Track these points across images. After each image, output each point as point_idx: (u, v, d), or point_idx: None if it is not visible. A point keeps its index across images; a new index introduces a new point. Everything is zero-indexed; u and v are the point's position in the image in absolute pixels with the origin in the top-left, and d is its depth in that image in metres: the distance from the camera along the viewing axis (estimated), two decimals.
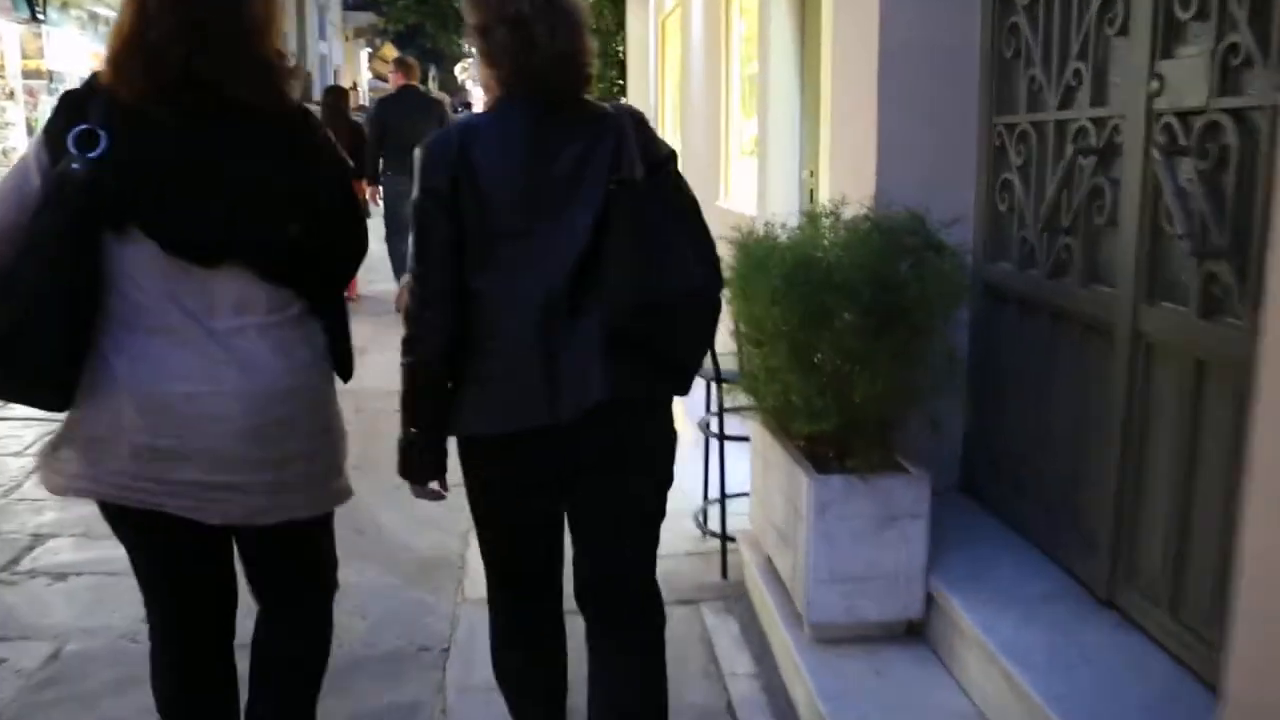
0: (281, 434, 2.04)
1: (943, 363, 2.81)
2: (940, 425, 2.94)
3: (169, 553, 2.15)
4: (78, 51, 15.85)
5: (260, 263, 1.99)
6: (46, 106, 14.43)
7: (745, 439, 3.54)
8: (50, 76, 15.00)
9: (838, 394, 2.69)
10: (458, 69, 35.29)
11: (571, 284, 2.06)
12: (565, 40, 2.07)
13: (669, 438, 2.29)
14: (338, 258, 2.18)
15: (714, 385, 3.79)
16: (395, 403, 2.22)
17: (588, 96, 2.17)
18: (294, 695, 2.35)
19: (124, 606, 3.54)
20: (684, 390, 2.23)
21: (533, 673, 2.41)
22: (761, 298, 2.76)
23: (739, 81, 6.49)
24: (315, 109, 4.17)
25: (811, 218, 2.98)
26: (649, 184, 2.09)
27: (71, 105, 1.96)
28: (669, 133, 9.95)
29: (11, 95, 14.61)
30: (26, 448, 5.33)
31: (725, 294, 2.33)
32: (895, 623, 2.89)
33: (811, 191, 4.87)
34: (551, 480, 2.20)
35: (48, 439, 2.10)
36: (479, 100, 39.96)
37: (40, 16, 14.93)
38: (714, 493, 4.03)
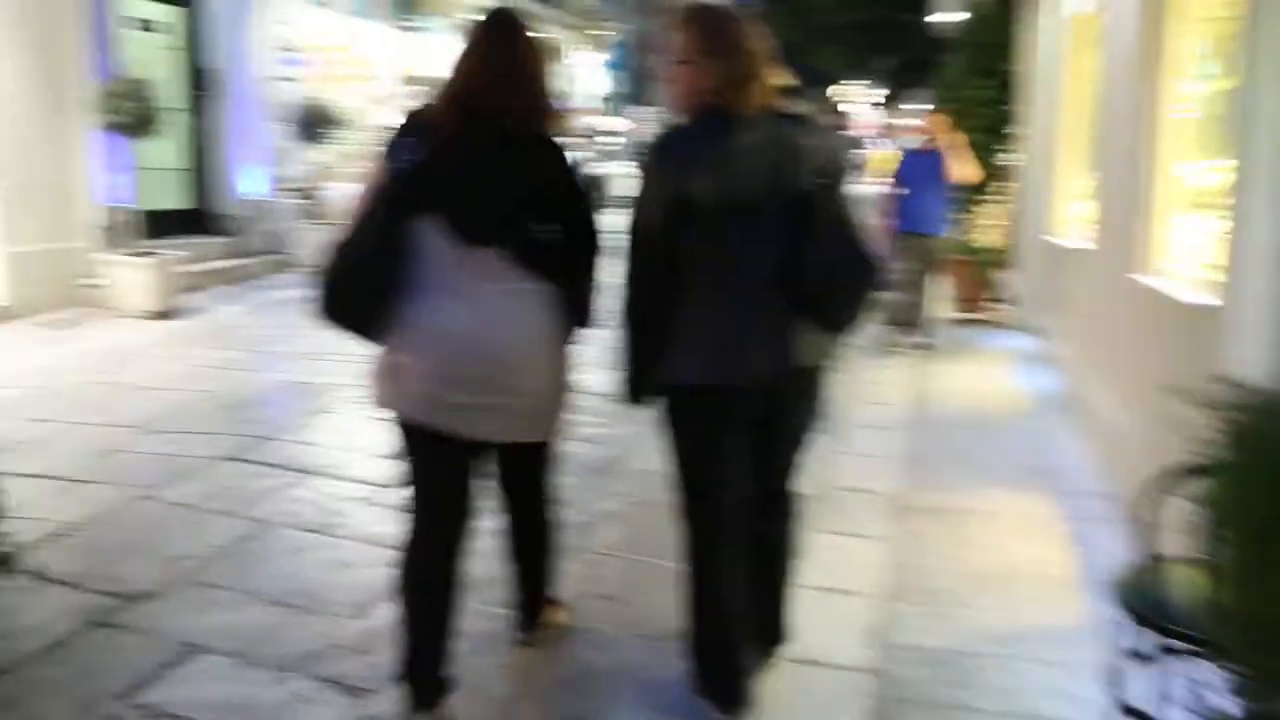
0: (523, 371, 2.78)
1: None
2: None
3: (441, 461, 2.83)
4: (449, 57, 15.86)
5: (514, 250, 2.72)
6: (401, 110, 14.56)
7: None
8: (419, 81, 15.10)
9: None
10: (831, 89, 34.10)
11: (776, 266, 2.68)
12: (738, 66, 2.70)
13: (825, 391, 2.93)
14: (576, 256, 2.84)
15: (1147, 634, 2.22)
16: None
17: (780, 112, 2.76)
18: (537, 564, 3.21)
19: None
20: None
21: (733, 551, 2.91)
22: None
23: (1180, 109, 4.72)
24: None
25: None
26: (837, 184, 2.75)
27: (406, 123, 2.80)
28: (1072, 172, 8.09)
29: (383, 101, 14.79)
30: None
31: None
32: None
33: None
34: (745, 423, 2.81)
35: (383, 370, 2.79)
36: (855, 119, 38.87)
37: (415, 24, 15.08)
38: None
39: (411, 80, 15.14)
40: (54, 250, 8.77)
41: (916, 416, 6.37)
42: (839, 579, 3.87)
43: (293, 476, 4.88)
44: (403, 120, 2.82)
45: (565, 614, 3.47)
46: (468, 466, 2.87)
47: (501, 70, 2.74)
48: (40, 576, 3.69)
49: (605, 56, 23.98)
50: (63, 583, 3.72)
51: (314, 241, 11.62)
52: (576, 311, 2.87)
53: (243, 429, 5.62)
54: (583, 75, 23.88)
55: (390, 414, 2.81)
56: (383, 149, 2.77)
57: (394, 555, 2.91)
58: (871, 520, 4.52)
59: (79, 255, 8.97)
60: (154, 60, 10.48)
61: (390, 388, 2.78)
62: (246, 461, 5.08)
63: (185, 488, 4.70)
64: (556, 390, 2.90)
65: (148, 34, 10.63)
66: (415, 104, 2.91)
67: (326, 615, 3.56)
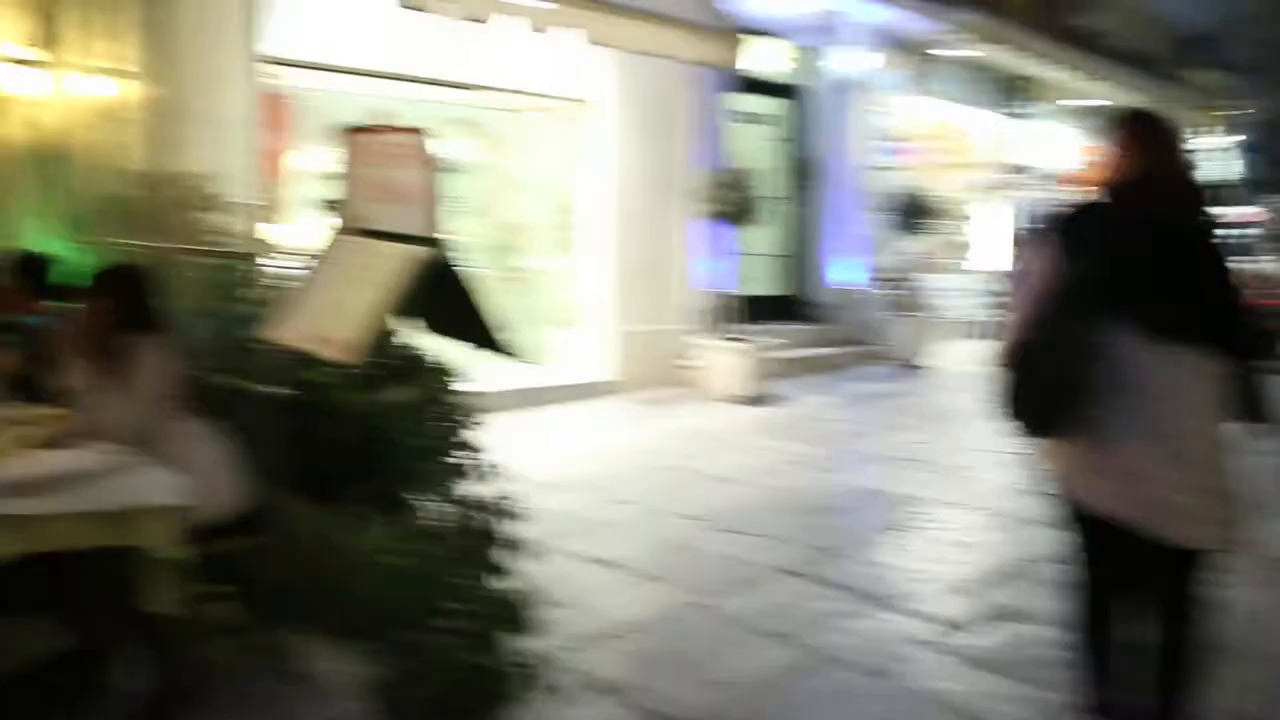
0: (1218, 470, 2.79)
1: None
2: None
3: (1122, 554, 2.86)
4: (1051, 144, 14.85)
5: (1205, 344, 2.75)
6: (1003, 199, 13.83)
7: None
8: (1017, 169, 14.27)
9: None
10: None
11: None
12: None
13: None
14: (1243, 337, 2.83)
15: None
16: None
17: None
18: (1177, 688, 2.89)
19: None
20: None
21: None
22: None
23: None
24: None
25: None
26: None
27: (1077, 220, 2.85)
28: None
29: (978, 189, 14.14)
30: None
31: None
32: None
33: None
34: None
35: (1078, 467, 2.85)
36: None
37: (1019, 111, 14.33)
38: None
39: (1014, 169, 14.38)
40: (656, 331, 9.24)
41: None
42: None
43: (854, 602, 4.35)
44: (1061, 218, 2.88)
45: None
46: (1137, 555, 2.88)
47: (1162, 169, 2.85)
48: (583, 681, 3.52)
49: (1237, 138, 21.31)
50: (602, 691, 3.52)
51: (904, 334, 11.29)
52: (1250, 408, 2.87)
53: (810, 538, 5.22)
54: (1208, 159, 21.32)
55: (1085, 508, 2.88)
56: (1046, 247, 2.84)
57: None
58: None
59: (677, 337, 9.35)
60: (759, 151, 10.80)
61: (1098, 485, 2.82)
62: (808, 578, 4.64)
63: (741, 599, 4.37)
64: (1233, 488, 2.86)
65: (754, 126, 10.99)
66: (1073, 202, 2.97)
67: None
